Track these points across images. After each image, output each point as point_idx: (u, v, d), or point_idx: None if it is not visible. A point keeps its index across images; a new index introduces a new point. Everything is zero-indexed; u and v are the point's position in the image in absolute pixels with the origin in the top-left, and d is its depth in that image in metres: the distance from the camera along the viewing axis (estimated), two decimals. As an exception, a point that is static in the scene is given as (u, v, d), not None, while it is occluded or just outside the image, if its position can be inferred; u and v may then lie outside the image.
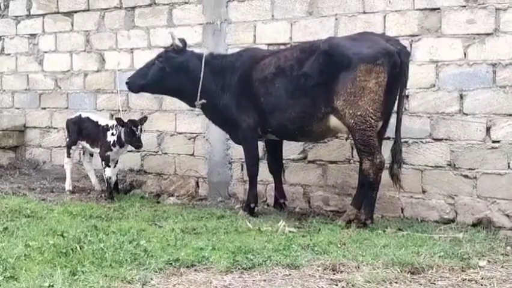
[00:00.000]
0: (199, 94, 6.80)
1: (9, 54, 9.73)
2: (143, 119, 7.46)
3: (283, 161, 7.20)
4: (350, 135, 6.40)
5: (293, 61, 6.37)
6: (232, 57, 6.99)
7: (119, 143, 7.45)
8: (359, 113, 5.93)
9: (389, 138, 6.45)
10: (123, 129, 7.34)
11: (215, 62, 6.93)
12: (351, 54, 5.98)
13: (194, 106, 7.02)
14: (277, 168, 7.06)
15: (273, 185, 7.15)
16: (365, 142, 5.98)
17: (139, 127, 7.29)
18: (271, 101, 6.46)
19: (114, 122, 7.52)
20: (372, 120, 5.95)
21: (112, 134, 7.51)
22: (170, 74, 6.88)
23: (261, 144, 7.45)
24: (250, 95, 6.59)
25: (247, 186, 7.06)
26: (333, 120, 6.18)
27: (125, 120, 7.36)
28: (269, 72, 6.48)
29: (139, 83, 7.06)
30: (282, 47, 7.24)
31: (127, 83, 7.17)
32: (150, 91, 7.44)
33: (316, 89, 6.16)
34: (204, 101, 6.82)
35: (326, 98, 6.11)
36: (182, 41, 6.97)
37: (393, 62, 5.97)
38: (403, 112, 6.30)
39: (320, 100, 6.16)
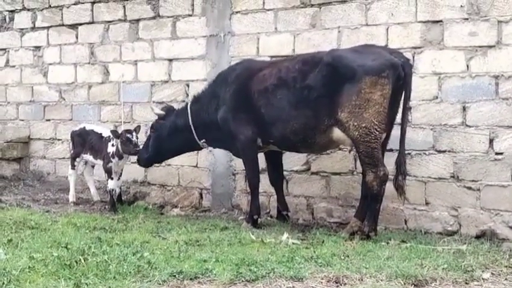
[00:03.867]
0: (196, 137, 7.04)
1: (14, 66, 9.78)
2: (138, 128, 7.50)
3: (286, 172, 7.23)
4: (353, 147, 6.40)
5: (295, 73, 6.35)
6: (224, 75, 7.06)
7: (118, 154, 7.48)
8: (363, 125, 5.92)
9: (392, 150, 6.49)
10: (119, 140, 7.38)
11: (202, 98, 7.13)
12: (356, 66, 5.98)
13: (201, 148, 7.32)
14: (278, 179, 7.07)
15: (276, 196, 7.15)
16: (369, 154, 5.98)
17: (134, 134, 7.34)
18: (273, 112, 6.45)
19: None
20: (377, 132, 5.94)
21: (112, 145, 7.55)
22: (165, 138, 7.20)
23: (263, 156, 7.47)
24: (249, 106, 6.59)
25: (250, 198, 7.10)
26: (337, 132, 6.17)
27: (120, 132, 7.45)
28: (270, 83, 6.47)
29: (145, 157, 7.41)
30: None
31: (137, 161, 7.53)
32: (158, 160, 7.64)
33: (319, 101, 6.16)
34: (204, 140, 7.08)
35: (329, 110, 6.11)
36: (168, 107, 7.38)
37: (398, 74, 5.99)
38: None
39: (323, 112, 6.15)
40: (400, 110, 6.20)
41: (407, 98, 6.14)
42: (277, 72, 6.50)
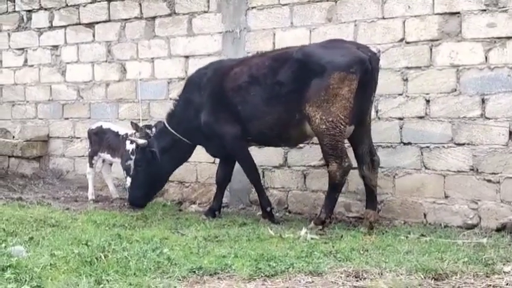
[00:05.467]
0: (188, 142, 7.09)
1: (32, 66, 9.87)
2: (158, 124, 7.47)
3: (304, 168, 7.27)
4: None
5: (266, 69, 6.46)
6: (194, 80, 7.10)
7: None
8: (330, 119, 6.02)
9: (410, 143, 6.51)
10: (138, 134, 7.36)
11: (176, 113, 7.15)
12: (325, 62, 6.09)
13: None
14: (225, 180, 7.18)
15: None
16: (334, 146, 6.07)
17: (154, 129, 7.32)
18: (248, 109, 6.53)
19: (133, 131, 7.55)
20: (342, 126, 6.06)
21: (131, 142, 7.56)
22: (158, 165, 7.07)
23: (281, 151, 7.48)
24: (226, 105, 6.64)
25: (268, 193, 7.10)
26: (308, 127, 6.25)
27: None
28: (243, 81, 6.55)
29: (140, 195, 7.28)
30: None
31: (130, 203, 7.36)
32: (155, 192, 7.55)
33: (290, 97, 6.26)
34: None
35: (299, 105, 6.19)
36: (145, 134, 7.22)
37: (365, 69, 6.09)
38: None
39: (294, 107, 6.24)
40: None
41: (373, 91, 6.29)
42: (248, 69, 6.59)
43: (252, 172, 6.88)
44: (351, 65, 6.03)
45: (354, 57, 6.08)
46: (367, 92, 6.21)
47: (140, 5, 8.70)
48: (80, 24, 9.31)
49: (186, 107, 7.05)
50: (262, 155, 7.27)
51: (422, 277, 4.41)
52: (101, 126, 8.16)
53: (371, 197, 6.37)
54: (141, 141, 7.11)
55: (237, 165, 7.77)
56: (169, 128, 7.12)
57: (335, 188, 6.23)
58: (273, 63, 6.45)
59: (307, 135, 6.45)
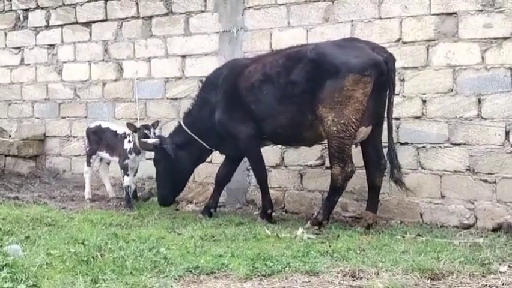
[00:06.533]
0: (208, 147, 7.02)
1: (28, 65, 9.85)
2: (156, 123, 7.50)
3: (301, 167, 7.28)
4: None
5: (279, 68, 6.39)
6: (211, 79, 7.03)
7: (135, 150, 7.49)
8: (342, 121, 5.98)
9: (409, 143, 6.49)
10: (136, 134, 7.36)
11: (192, 112, 7.11)
12: (339, 63, 6.03)
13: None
14: (226, 178, 7.15)
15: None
16: (340, 149, 6.04)
17: (152, 130, 7.30)
18: (262, 108, 6.48)
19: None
20: (352, 130, 6.02)
21: (129, 142, 7.55)
22: (175, 163, 7.02)
23: (278, 151, 7.48)
24: (240, 104, 6.60)
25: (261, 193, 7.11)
26: (321, 128, 6.22)
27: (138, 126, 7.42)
28: (256, 79, 6.50)
29: (166, 193, 7.25)
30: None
31: (160, 204, 7.34)
32: (180, 190, 7.43)
33: (303, 97, 6.20)
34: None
35: (312, 105, 6.14)
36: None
37: (380, 71, 6.03)
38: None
39: (307, 108, 6.19)
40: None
41: (392, 93, 6.19)
42: (261, 68, 6.53)
43: (261, 172, 6.85)
44: (366, 68, 5.96)
45: (368, 59, 6.02)
46: (384, 93, 6.15)
47: (137, 4, 8.69)
48: (76, 23, 9.30)
49: (202, 107, 7.00)
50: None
51: (419, 277, 4.43)
52: (100, 125, 8.14)
53: (372, 199, 6.35)
54: (151, 140, 7.09)
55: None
56: (184, 126, 7.09)
57: (336, 191, 6.21)
58: (287, 62, 6.37)
59: (322, 136, 6.34)
